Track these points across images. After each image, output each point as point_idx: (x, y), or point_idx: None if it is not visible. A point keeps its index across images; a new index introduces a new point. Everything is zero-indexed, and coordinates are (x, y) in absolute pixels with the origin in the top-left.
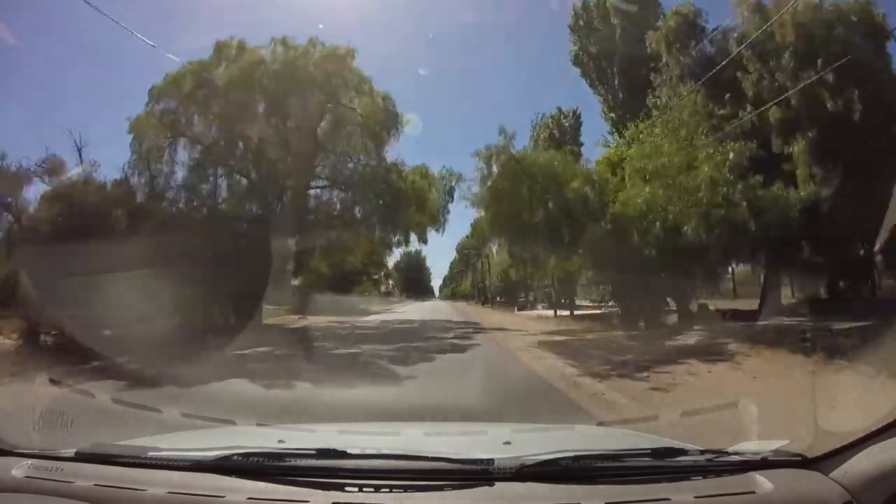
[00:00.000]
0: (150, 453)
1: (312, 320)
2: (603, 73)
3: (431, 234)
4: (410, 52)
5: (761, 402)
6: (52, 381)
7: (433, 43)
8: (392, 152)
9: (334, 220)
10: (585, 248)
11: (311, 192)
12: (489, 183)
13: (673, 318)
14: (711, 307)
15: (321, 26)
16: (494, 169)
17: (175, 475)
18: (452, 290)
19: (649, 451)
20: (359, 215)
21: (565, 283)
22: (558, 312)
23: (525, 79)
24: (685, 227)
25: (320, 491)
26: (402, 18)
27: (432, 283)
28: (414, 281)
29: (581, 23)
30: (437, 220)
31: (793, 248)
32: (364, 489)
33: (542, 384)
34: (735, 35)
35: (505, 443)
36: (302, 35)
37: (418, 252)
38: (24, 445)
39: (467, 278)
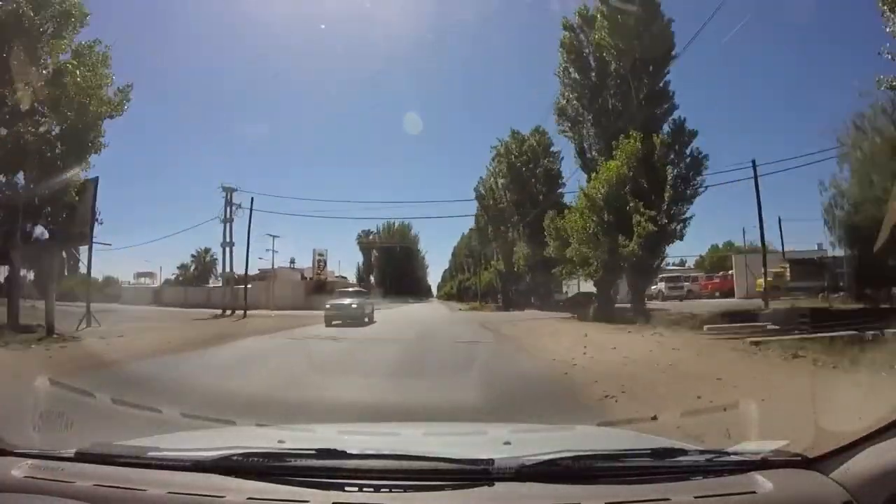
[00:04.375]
0: (151, 453)
1: None
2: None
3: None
4: None
5: None
6: (52, 381)
7: None
8: None
9: None
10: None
11: None
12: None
13: None
14: None
15: None
16: None
17: (175, 475)
18: (459, 285)
19: (649, 451)
20: None
21: None
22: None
23: None
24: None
25: (320, 491)
26: None
27: (429, 280)
28: (396, 266)
29: None
30: None
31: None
32: (364, 489)
33: None
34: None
35: (505, 443)
36: None
37: (405, 225)
38: (24, 445)
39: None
